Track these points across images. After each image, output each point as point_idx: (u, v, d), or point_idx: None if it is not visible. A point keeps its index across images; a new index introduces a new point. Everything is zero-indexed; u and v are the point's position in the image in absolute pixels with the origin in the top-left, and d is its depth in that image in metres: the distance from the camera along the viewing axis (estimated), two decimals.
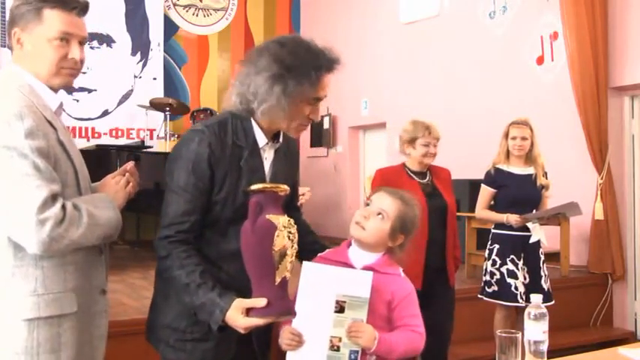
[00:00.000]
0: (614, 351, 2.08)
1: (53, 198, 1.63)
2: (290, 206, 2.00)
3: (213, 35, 8.84)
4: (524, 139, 3.95)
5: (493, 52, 6.39)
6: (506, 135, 4.01)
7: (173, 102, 7.26)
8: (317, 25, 9.04)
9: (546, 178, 4.02)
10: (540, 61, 5.95)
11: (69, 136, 1.82)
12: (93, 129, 7.94)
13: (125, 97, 8.07)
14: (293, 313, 1.72)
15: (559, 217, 4.13)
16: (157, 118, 7.63)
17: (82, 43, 1.80)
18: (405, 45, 7.48)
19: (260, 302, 1.65)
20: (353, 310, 1.73)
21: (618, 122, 5.43)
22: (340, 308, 1.73)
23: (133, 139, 8.00)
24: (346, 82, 8.13)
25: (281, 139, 1.93)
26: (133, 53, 8.18)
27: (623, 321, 5.33)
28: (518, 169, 4.00)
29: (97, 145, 6.66)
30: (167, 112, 7.20)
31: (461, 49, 6.75)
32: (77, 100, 7.81)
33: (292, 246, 1.67)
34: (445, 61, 6.94)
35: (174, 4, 8.62)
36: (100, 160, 5.83)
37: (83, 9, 1.80)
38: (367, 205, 1.88)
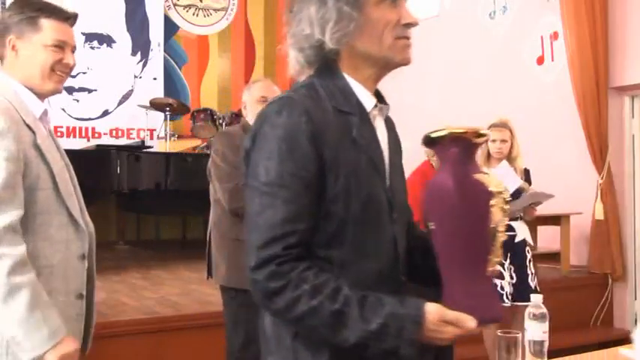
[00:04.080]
0: (615, 351, 2.07)
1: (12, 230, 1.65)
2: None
3: (214, 35, 8.83)
4: (503, 141, 3.93)
5: (493, 52, 6.38)
6: None
7: (173, 102, 7.26)
8: None
9: (529, 178, 4.00)
10: (540, 61, 5.95)
11: (51, 141, 1.87)
12: (93, 129, 7.92)
13: (125, 97, 8.06)
14: (501, 319, 1.25)
15: (532, 206, 4.06)
16: (157, 119, 7.62)
17: (72, 52, 1.92)
18: None
19: (467, 321, 1.15)
20: None
21: (618, 122, 5.43)
22: None
23: (133, 139, 7.99)
24: None
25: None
26: (133, 53, 8.17)
27: (623, 321, 5.33)
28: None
29: (97, 145, 6.67)
30: (167, 113, 7.19)
31: (461, 49, 6.74)
32: (77, 100, 7.80)
33: (504, 222, 1.21)
34: (445, 61, 6.94)
35: (175, 4, 8.61)
36: (100, 161, 5.83)
37: (74, 20, 1.93)
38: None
